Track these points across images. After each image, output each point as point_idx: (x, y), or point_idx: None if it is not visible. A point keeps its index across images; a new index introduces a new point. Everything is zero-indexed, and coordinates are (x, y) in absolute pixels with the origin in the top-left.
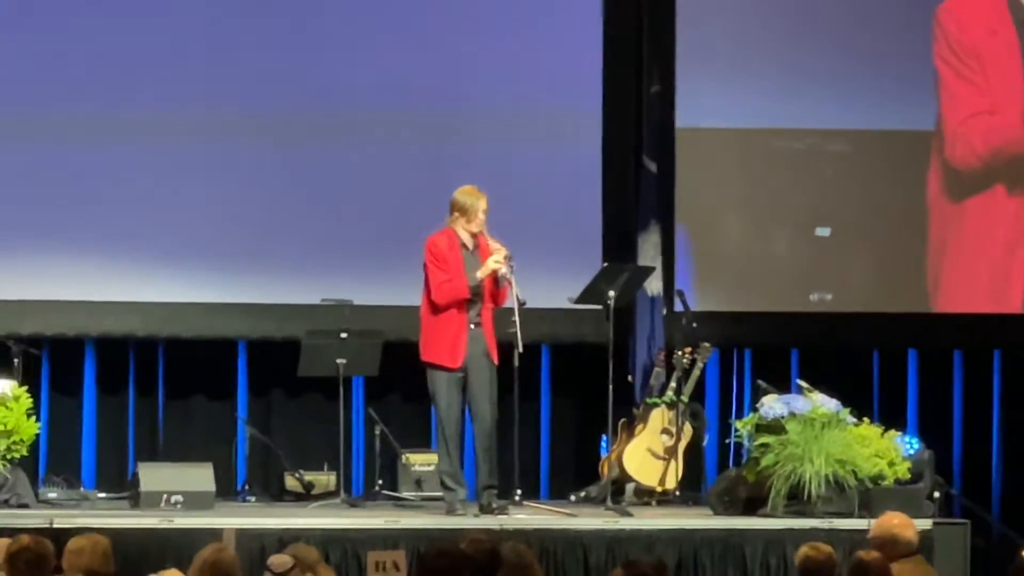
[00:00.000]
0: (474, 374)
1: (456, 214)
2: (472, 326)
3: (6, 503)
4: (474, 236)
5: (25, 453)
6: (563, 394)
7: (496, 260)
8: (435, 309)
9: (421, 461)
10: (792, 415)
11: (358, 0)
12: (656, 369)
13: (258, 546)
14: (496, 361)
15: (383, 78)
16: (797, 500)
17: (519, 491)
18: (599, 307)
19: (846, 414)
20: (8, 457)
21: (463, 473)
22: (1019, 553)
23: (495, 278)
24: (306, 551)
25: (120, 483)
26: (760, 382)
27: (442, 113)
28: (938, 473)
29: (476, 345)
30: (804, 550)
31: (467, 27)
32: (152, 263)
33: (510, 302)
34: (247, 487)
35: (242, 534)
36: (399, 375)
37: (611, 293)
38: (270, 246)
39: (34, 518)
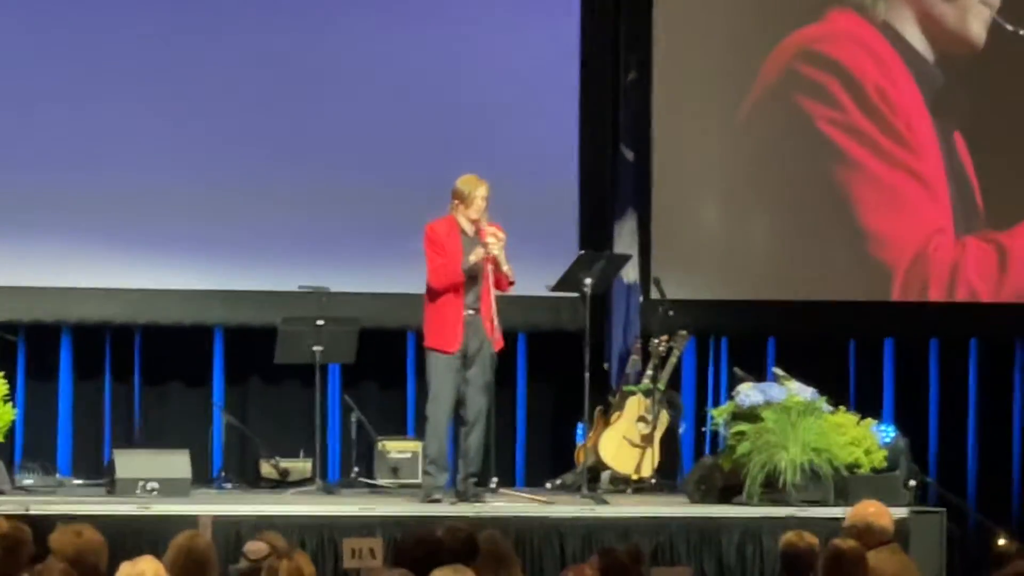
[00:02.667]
0: (470, 361)
1: (456, 201)
2: (470, 311)
3: None
4: (474, 223)
5: (1, 440)
6: (539, 381)
7: (488, 243)
8: (433, 294)
9: (397, 448)
10: (768, 403)
11: None
12: (632, 357)
13: (234, 533)
14: (496, 347)
15: (361, 67)
16: (773, 488)
17: (495, 478)
18: (575, 295)
19: (822, 402)
20: None
21: (447, 459)
22: (994, 540)
23: (495, 263)
24: (277, 538)
25: (96, 470)
26: (736, 370)
27: (418, 101)
28: (914, 461)
29: (474, 331)
30: (788, 536)
31: (443, 13)
32: (129, 250)
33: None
34: (223, 474)
35: (218, 521)
36: (375, 362)
37: (587, 281)
38: (247, 233)
39: (9, 504)
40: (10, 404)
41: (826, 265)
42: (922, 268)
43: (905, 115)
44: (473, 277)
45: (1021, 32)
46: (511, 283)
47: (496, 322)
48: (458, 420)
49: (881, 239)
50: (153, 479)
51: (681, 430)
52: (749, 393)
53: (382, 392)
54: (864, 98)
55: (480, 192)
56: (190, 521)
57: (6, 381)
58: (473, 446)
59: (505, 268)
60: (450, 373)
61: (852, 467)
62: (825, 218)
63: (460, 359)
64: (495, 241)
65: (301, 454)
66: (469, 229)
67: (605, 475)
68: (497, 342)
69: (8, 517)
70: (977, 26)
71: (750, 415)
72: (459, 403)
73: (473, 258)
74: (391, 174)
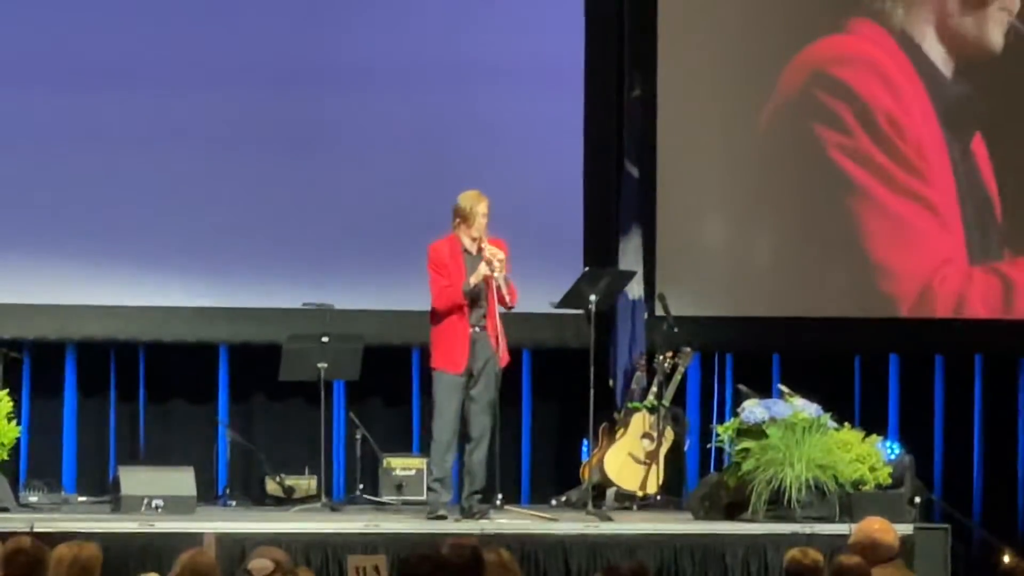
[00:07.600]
0: (475, 378)
1: (458, 220)
2: (476, 329)
3: None
4: (476, 240)
5: (5, 457)
6: (544, 398)
7: (487, 264)
8: (438, 315)
9: (402, 465)
10: (773, 420)
11: None
12: (637, 373)
13: (239, 550)
14: (503, 363)
15: (365, 80)
16: (778, 505)
17: (500, 495)
18: (580, 311)
19: (827, 419)
20: None
21: (451, 477)
22: (999, 557)
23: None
24: (275, 553)
25: (101, 487)
26: (741, 386)
27: (424, 116)
28: (919, 478)
29: (480, 349)
30: (793, 553)
31: (448, 29)
32: (134, 267)
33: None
34: (228, 491)
35: (223, 538)
36: (380, 379)
37: (592, 297)
38: (251, 250)
39: (15, 522)
40: (14, 422)
41: (830, 282)
42: (928, 301)
43: (915, 140)
44: (477, 296)
45: None
46: (510, 307)
47: (502, 338)
48: (463, 437)
49: (888, 271)
50: (158, 496)
51: (686, 447)
52: (754, 410)
53: (387, 409)
54: (874, 125)
55: (481, 209)
56: (195, 538)
57: (11, 399)
58: (477, 463)
59: (504, 291)
60: (455, 392)
61: (857, 484)
62: (830, 235)
63: (465, 377)
64: (497, 264)
65: (306, 471)
66: (471, 247)
67: (610, 492)
68: (503, 358)
69: (11, 535)
70: (996, 32)
71: (755, 432)
72: (463, 421)
73: (474, 280)
74: (395, 191)
